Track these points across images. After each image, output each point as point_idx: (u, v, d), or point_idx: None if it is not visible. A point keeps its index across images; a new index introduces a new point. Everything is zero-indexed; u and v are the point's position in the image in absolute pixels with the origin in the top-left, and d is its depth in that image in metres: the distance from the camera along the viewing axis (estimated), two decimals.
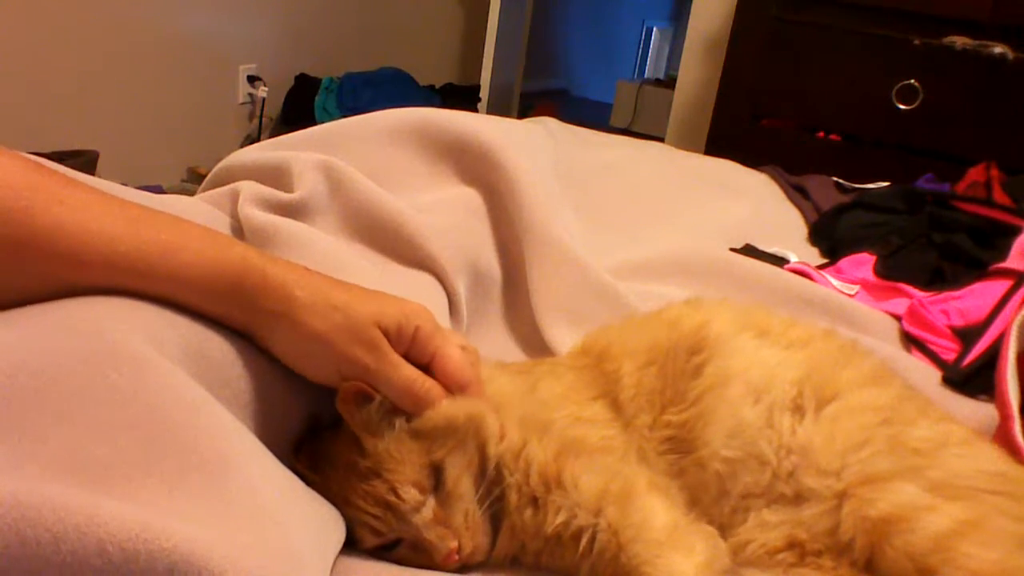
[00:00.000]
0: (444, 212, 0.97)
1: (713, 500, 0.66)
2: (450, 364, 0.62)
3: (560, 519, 0.61)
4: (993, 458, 0.64)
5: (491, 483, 0.63)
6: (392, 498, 0.59)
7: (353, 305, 0.59)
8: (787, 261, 1.20)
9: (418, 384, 0.61)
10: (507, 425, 0.65)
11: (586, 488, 0.61)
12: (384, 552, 0.61)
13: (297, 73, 3.38)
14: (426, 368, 0.62)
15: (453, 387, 0.62)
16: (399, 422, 0.61)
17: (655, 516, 0.59)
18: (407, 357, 0.62)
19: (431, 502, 0.60)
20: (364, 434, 0.60)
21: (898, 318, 1.05)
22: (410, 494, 0.59)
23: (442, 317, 0.85)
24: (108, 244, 0.53)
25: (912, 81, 2.30)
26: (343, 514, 0.60)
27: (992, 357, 0.87)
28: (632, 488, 0.61)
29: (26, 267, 0.52)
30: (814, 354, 0.70)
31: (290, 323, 0.58)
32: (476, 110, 3.64)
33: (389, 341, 0.60)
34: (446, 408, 0.61)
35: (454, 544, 0.60)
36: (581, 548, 0.60)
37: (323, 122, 1.25)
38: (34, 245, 0.51)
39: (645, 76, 5.83)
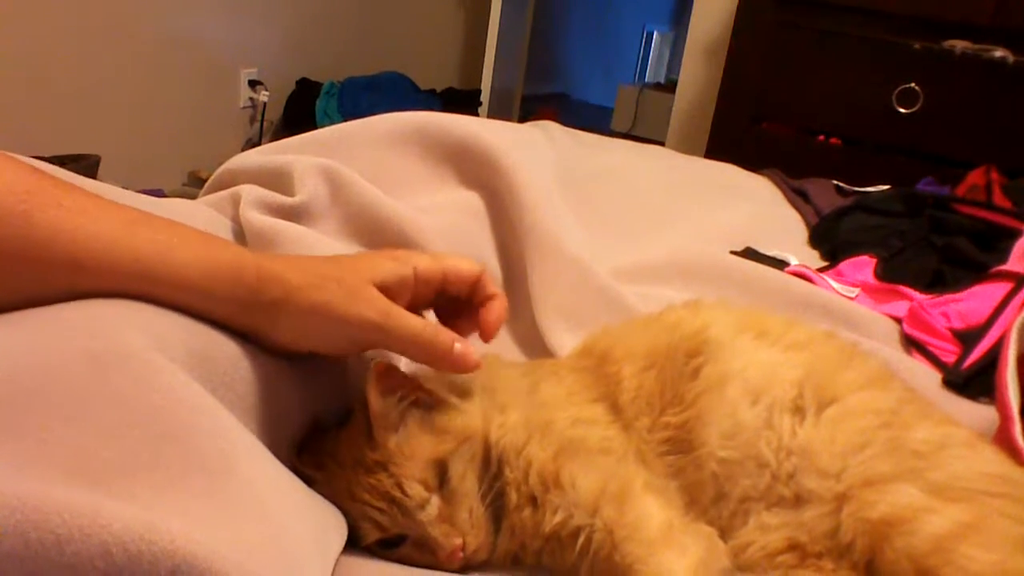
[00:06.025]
0: (445, 215, 0.98)
1: (711, 501, 0.66)
2: (460, 263, 0.64)
3: (558, 518, 0.61)
4: (993, 460, 0.64)
5: (492, 478, 0.63)
6: (397, 493, 0.60)
7: (345, 271, 0.60)
8: (787, 264, 1.20)
9: (428, 331, 0.60)
10: (512, 415, 0.65)
11: (583, 488, 0.61)
12: (386, 551, 0.62)
13: (298, 77, 3.39)
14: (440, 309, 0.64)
15: (468, 282, 0.63)
16: (412, 419, 0.62)
17: (650, 515, 0.59)
18: (419, 297, 0.62)
19: (436, 499, 0.61)
20: (378, 424, 0.61)
21: (898, 321, 1.05)
22: (415, 490, 0.60)
23: None
24: (106, 247, 0.54)
25: (912, 85, 2.31)
26: (346, 510, 0.61)
27: (992, 359, 0.87)
28: (629, 488, 0.61)
29: (25, 271, 0.52)
30: (814, 355, 0.71)
31: (289, 306, 0.58)
32: (477, 114, 3.65)
33: (392, 295, 0.60)
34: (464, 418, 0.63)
35: (459, 541, 0.60)
36: (579, 547, 0.60)
37: (324, 126, 1.25)
38: (33, 249, 0.52)
39: (646, 80, 5.82)
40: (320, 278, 0.59)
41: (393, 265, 0.62)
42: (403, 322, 0.60)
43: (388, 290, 0.60)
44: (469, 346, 0.62)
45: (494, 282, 0.65)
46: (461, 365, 0.62)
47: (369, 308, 0.59)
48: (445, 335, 0.61)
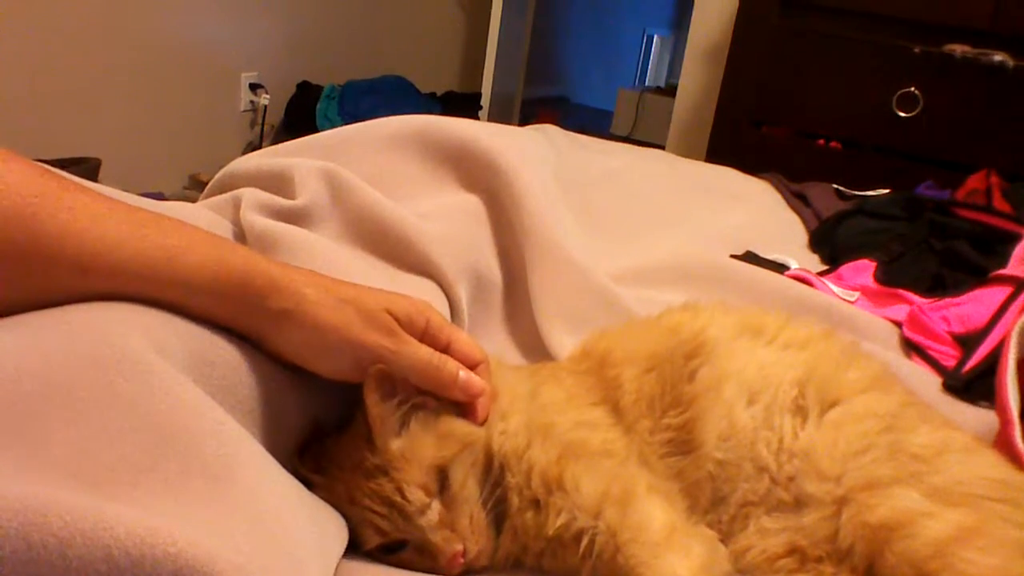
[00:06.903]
0: (445, 218, 0.98)
1: (710, 503, 0.66)
2: (465, 346, 0.66)
3: (561, 521, 0.61)
4: (994, 464, 0.64)
5: (494, 483, 0.63)
6: (398, 498, 0.60)
7: (362, 297, 0.62)
8: (788, 268, 1.20)
9: (436, 360, 0.63)
10: (513, 420, 0.65)
11: (587, 490, 0.61)
12: (387, 555, 0.62)
13: (299, 81, 3.39)
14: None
15: (468, 364, 0.65)
16: (413, 423, 0.62)
17: (653, 518, 0.59)
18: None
19: (437, 505, 0.61)
20: (378, 428, 0.61)
21: (899, 324, 1.05)
22: (416, 495, 0.60)
23: None
24: (114, 249, 0.54)
25: (912, 89, 2.31)
26: (347, 515, 0.61)
27: (992, 363, 0.87)
28: (632, 491, 0.61)
29: (33, 273, 0.52)
30: (815, 354, 0.71)
31: (300, 319, 0.59)
32: (477, 118, 3.65)
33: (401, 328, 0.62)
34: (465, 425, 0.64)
35: (459, 547, 0.60)
36: (582, 550, 0.60)
37: (325, 129, 1.25)
38: (41, 251, 0.52)
39: (646, 84, 5.83)
40: (338, 300, 0.60)
41: (407, 304, 0.64)
42: (412, 350, 0.62)
43: (398, 322, 0.62)
44: (473, 375, 0.65)
45: (488, 373, 0.67)
46: (465, 392, 0.64)
47: (384, 335, 0.61)
48: (451, 364, 0.64)
